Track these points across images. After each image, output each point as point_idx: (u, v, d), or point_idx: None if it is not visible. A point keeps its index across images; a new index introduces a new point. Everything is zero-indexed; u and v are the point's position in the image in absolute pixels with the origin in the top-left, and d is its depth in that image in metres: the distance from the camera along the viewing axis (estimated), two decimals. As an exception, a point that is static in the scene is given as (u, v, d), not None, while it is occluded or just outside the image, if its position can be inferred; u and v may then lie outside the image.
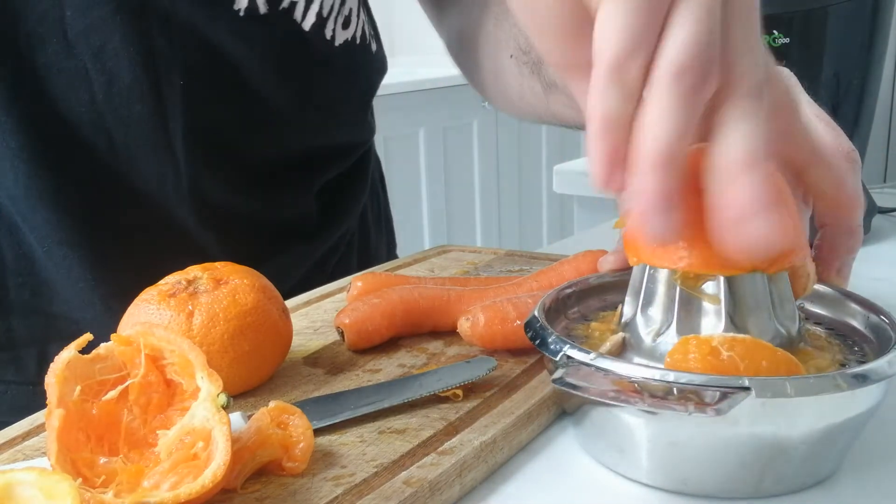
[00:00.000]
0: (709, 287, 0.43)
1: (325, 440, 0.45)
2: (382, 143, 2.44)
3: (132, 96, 0.64)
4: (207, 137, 0.69)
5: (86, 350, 0.42)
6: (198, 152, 0.68)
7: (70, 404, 0.40)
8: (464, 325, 0.55)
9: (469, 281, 0.66)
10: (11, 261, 0.67)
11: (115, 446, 0.41)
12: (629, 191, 0.36)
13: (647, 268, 0.44)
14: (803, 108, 0.49)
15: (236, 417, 0.45)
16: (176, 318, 0.49)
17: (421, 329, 0.60)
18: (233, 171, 0.72)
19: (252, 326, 0.51)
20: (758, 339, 0.41)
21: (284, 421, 0.43)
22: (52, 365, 0.40)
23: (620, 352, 0.46)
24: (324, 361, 0.57)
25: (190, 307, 0.50)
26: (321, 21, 0.71)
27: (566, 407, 0.48)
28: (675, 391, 0.38)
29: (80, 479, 0.38)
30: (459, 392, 0.49)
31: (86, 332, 0.42)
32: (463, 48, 0.84)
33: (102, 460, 0.40)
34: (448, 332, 0.60)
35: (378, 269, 0.79)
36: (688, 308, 0.43)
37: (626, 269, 0.49)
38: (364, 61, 0.79)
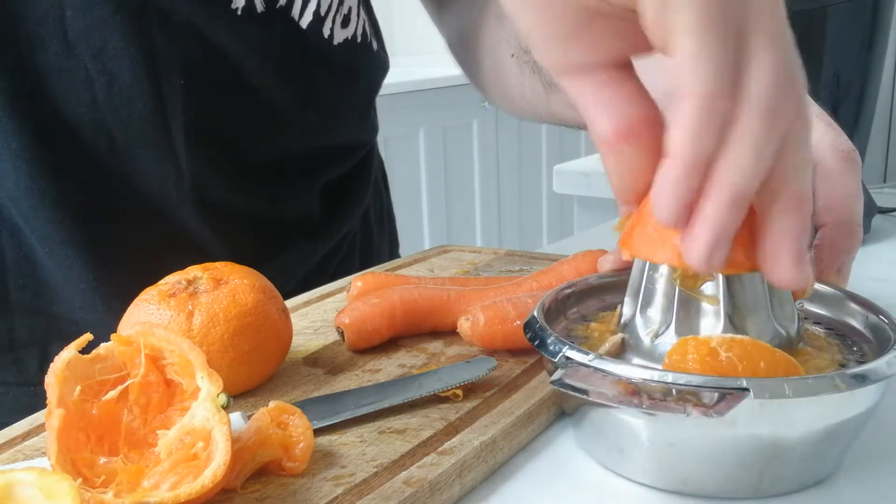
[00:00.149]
0: (707, 288, 0.43)
1: (325, 440, 0.45)
2: (382, 143, 2.44)
3: (133, 96, 0.64)
4: (208, 137, 0.69)
5: (86, 350, 0.42)
6: (199, 152, 0.68)
7: (70, 404, 0.40)
8: (464, 325, 0.55)
9: (469, 281, 0.66)
10: (13, 262, 0.67)
11: (115, 446, 0.41)
12: (696, 220, 0.36)
13: (647, 269, 0.44)
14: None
15: (236, 417, 0.45)
16: (176, 318, 0.49)
17: (421, 329, 0.60)
18: (234, 171, 0.72)
19: (252, 326, 0.51)
20: (756, 339, 0.41)
21: (284, 421, 0.43)
22: (52, 365, 0.40)
23: (620, 352, 0.46)
24: (324, 361, 0.57)
25: (190, 307, 0.50)
26: (319, 20, 0.71)
27: (565, 407, 0.48)
28: (674, 392, 0.38)
29: (80, 479, 0.38)
30: (459, 392, 0.49)
31: (87, 332, 0.42)
32: (464, 47, 0.84)
33: (102, 460, 0.40)
34: (448, 332, 0.60)
35: (378, 269, 0.79)
36: (687, 309, 0.43)
37: (626, 269, 0.49)
38: (365, 60, 0.79)
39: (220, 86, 0.68)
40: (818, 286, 0.50)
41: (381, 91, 0.86)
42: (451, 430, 0.46)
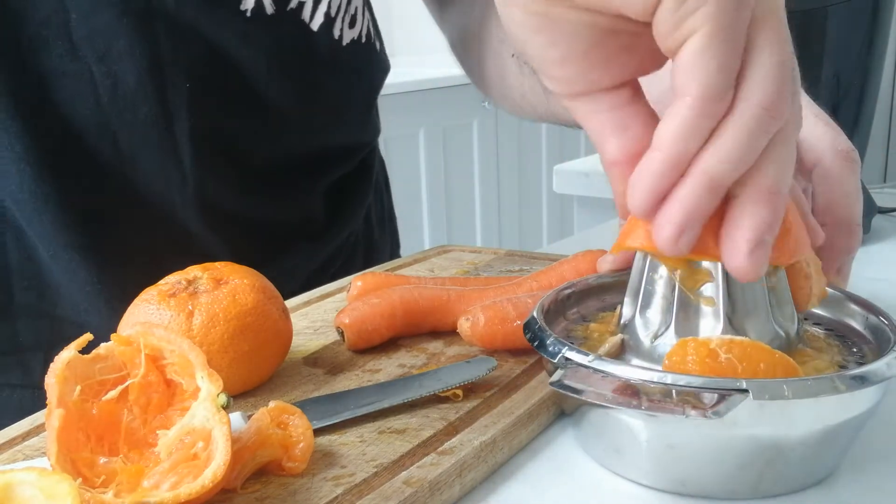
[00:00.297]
0: (707, 289, 0.43)
1: (325, 440, 0.45)
2: (382, 143, 2.43)
3: (137, 99, 0.64)
4: (213, 140, 0.69)
5: (86, 350, 0.42)
6: (203, 155, 0.68)
7: (70, 404, 0.40)
8: (464, 326, 0.55)
9: (469, 281, 0.66)
10: (17, 264, 0.67)
11: (115, 446, 0.41)
12: (670, 201, 0.36)
13: (646, 270, 0.44)
14: (805, 110, 0.50)
15: (236, 417, 0.45)
16: (176, 318, 0.49)
17: (421, 329, 0.60)
18: (237, 174, 0.72)
19: (252, 326, 0.51)
20: (756, 341, 0.41)
21: (284, 421, 0.43)
22: (52, 365, 0.40)
23: (619, 353, 0.46)
24: (324, 361, 0.57)
25: (190, 307, 0.50)
26: (329, 21, 0.71)
27: (565, 408, 0.48)
28: (674, 393, 0.38)
29: (80, 479, 0.38)
30: (459, 392, 0.49)
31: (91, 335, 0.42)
32: (465, 46, 0.84)
33: (102, 460, 0.40)
34: (448, 332, 0.60)
35: (378, 269, 0.79)
36: (686, 310, 0.43)
37: (626, 269, 0.49)
38: (369, 60, 0.79)
39: (225, 89, 0.68)
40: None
41: (381, 91, 0.86)
42: (451, 430, 0.46)
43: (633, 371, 0.39)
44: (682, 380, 0.38)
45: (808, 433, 0.39)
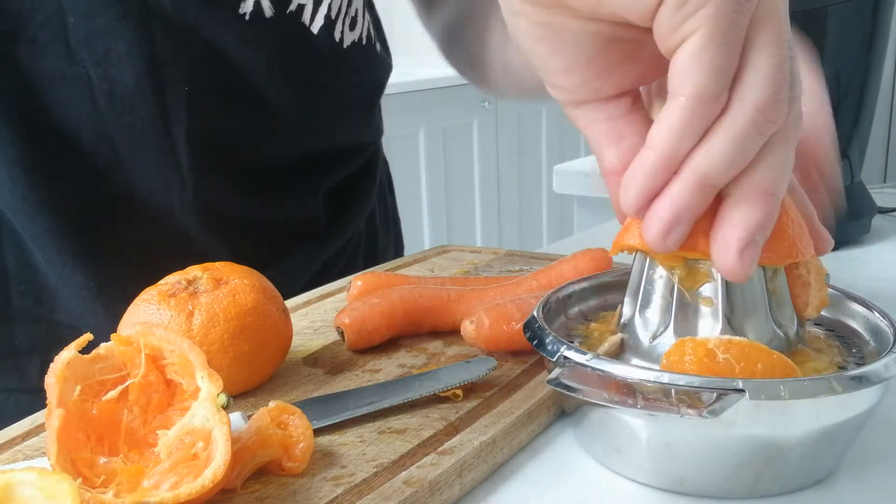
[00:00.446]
0: (706, 289, 0.43)
1: (325, 440, 0.45)
2: (383, 143, 2.44)
3: (135, 102, 0.64)
4: (212, 143, 0.68)
5: (86, 350, 0.42)
6: (202, 158, 0.68)
7: (70, 404, 0.40)
8: (468, 328, 0.55)
9: (469, 281, 0.66)
10: (14, 268, 0.67)
11: (115, 446, 0.41)
12: (662, 198, 0.36)
13: (646, 269, 0.44)
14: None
15: (236, 417, 0.45)
16: (176, 318, 0.49)
17: (421, 329, 0.60)
18: (238, 176, 0.71)
19: (252, 326, 0.51)
20: (754, 341, 0.41)
21: (284, 421, 0.43)
22: (52, 365, 0.40)
23: (619, 353, 0.46)
24: (324, 361, 0.57)
25: (190, 307, 0.50)
26: (329, 23, 0.71)
27: (565, 407, 0.48)
28: (673, 393, 0.38)
29: (80, 479, 0.38)
30: (459, 392, 0.49)
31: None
32: (454, 39, 0.84)
33: (102, 460, 0.40)
34: (448, 332, 0.60)
35: (378, 268, 0.79)
36: (685, 310, 0.43)
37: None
38: (370, 61, 0.78)
39: (224, 91, 0.68)
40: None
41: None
42: (451, 430, 0.46)
43: (630, 370, 0.39)
44: (680, 379, 0.38)
45: (806, 433, 0.39)
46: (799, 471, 0.41)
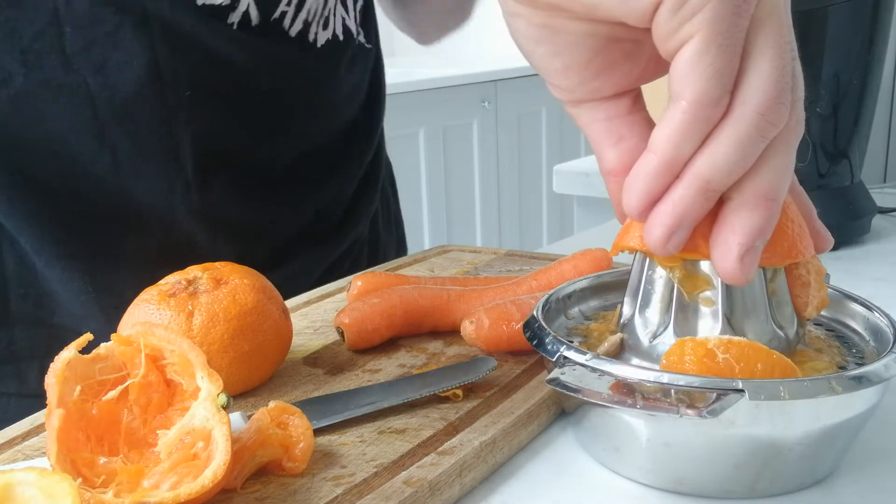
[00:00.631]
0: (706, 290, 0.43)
1: (325, 440, 0.45)
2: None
3: (136, 109, 0.64)
4: (215, 146, 0.68)
5: (86, 350, 0.42)
6: (205, 163, 0.68)
7: (70, 404, 0.40)
8: (468, 328, 0.55)
9: (469, 281, 0.66)
10: (13, 272, 0.66)
11: (115, 446, 0.41)
12: (664, 201, 0.36)
13: (645, 269, 0.45)
14: None
15: (236, 417, 0.45)
16: (176, 318, 0.49)
17: (421, 329, 0.60)
18: (242, 180, 0.71)
19: (252, 326, 0.51)
20: (754, 341, 0.41)
21: (284, 421, 0.43)
22: (52, 365, 0.40)
23: (619, 352, 0.46)
24: (324, 361, 0.57)
25: (190, 307, 0.50)
26: (306, 26, 0.71)
27: (565, 407, 0.48)
28: (672, 393, 0.38)
29: (80, 479, 0.38)
30: (459, 392, 0.49)
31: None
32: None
33: (102, 460, 0.40)
34: (448, 332, 0.60)
35: (378, 268, 0.79)
36: (685, 310, 0.43)
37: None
38: (354, 56, 0.78)
39: (224, 96, 0.68)
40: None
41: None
42: (451, 430, 0.46)
43: (629, 370, 0.39)
44: (679, 379, 0.38)
45: (805, 433, 0.39)
46: (798, 471, 0.41)
